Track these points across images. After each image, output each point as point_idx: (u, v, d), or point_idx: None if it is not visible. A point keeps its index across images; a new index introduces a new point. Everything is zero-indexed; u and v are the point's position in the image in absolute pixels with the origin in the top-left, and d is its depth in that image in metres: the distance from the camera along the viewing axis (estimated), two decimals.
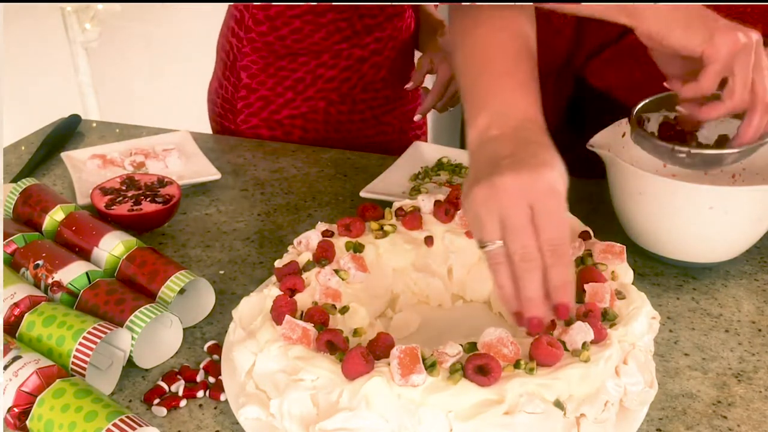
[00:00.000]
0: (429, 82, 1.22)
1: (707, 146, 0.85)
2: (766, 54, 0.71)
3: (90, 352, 0.67)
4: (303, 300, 0.69)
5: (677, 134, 0.85)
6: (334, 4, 1.16)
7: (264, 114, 1.26)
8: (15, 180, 1.03)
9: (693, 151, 0.79)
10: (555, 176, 0.61)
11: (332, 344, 0.61)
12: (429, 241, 0.78)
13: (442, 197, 0.81)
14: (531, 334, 0.62)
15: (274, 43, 1.20)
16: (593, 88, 1.05)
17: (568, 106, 1.10)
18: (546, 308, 0.62)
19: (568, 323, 0.63)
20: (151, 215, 0.94)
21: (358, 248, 0.76)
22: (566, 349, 0.61)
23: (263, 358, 0.63)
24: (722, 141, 0.85)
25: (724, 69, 0.70)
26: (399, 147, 1.30)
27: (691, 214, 0.81)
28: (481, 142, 0.66)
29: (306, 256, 0.74)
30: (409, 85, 1.22)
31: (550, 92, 1.10)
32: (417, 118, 1.24)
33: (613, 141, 0.89)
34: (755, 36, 0.69)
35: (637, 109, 0.85)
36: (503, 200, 0.60)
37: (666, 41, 0.70)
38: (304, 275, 0.71)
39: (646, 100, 0.85)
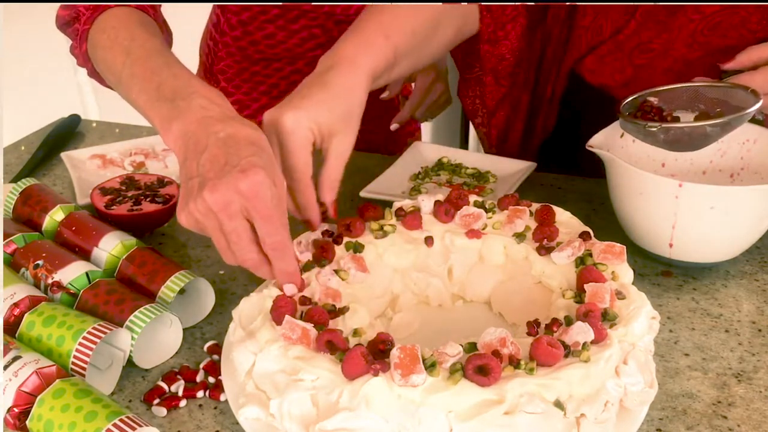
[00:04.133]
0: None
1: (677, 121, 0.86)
2: None
3: (90, 352, 0.67)
4: (303, 300, 0.69)
5: (661, 118, 0.87)
6: (305, 9, 1.13)
7: None
8: (15, 180, 1.03)
9: (664, 125, 0.81)
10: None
11: (332, 344, 0.61)
12: (429, 241, 0.78)
13: (442, 197, 0.81)
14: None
15: (248, 48, 1.19)
16: (588, 85, 1.05)
17: (564, 103, 1.11)
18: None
19: (569, 323, 0.63)
20: (151, 215, 0.94)
21: (358, 248, 0.76)
22: (566, 349, 0.61)
23: (263, 358, 0.63)
24: (701, 118, 0.86)
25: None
26: (392, 147, 1.29)
27: (691, 214, 0.81)
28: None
29: (306, 256, 0.74)
30: (384, 95, 1.18)
31: (541, 89, 1.11)
32: (393, 127, 1.20)
33: (612, 141, 0.89)
34: (201, 206, 0.65)
35: (628, 99, 0.87)
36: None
37: None
38: (304, 275, 0.71)
39: (637, 94, 0.86)
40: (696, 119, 0.85)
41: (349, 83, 0.76)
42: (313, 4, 1.13)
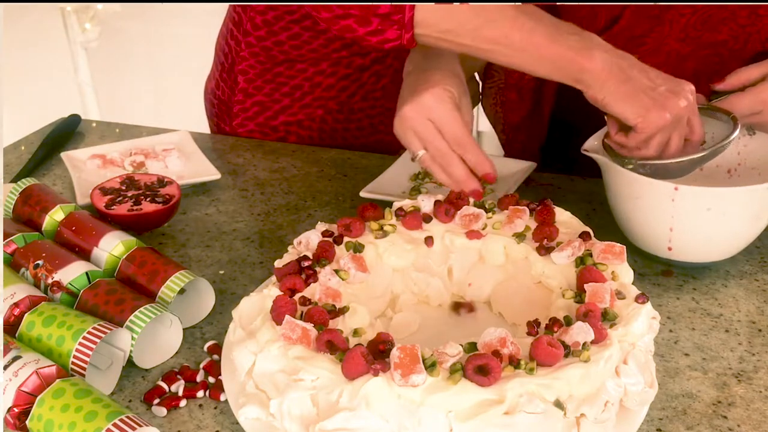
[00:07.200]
0: None
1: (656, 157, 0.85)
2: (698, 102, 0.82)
3: (90, 352, 0.67)
4: (303, 300, 0.69)
5: None
6: None
7: (260, 119, 1.25)
8: (15, 180, 1.03)
9: (640, 162, 0.83)
10: (438, 91, 0.83)
11: (332, 344, 0.61)
12: (429, 241, 0.78)
13: (442, 197, 0.81)
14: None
15: (272, 48, 1.19)
16: None
17: (560, 99, 1.11)
18: (475, 182, 0.85)
19: (569, 323, 0.63)
20: (151, 215, 0.94)
21: (358, 248, 0.76)
22: (566, 349, 0.61)
23: (263, 358, 0.63)
24: (685, 146, 0.86)
25: (649, 137, 0.80)
26: (399, 147, 1.29)
27: (688, 216, 0.81)
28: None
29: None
30: None
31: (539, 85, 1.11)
32: None
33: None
34: (684, 103, 0.79)
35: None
36: (410, 123, 0.84)
37: (607, 108, 0.80)
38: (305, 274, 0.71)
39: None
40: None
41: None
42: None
